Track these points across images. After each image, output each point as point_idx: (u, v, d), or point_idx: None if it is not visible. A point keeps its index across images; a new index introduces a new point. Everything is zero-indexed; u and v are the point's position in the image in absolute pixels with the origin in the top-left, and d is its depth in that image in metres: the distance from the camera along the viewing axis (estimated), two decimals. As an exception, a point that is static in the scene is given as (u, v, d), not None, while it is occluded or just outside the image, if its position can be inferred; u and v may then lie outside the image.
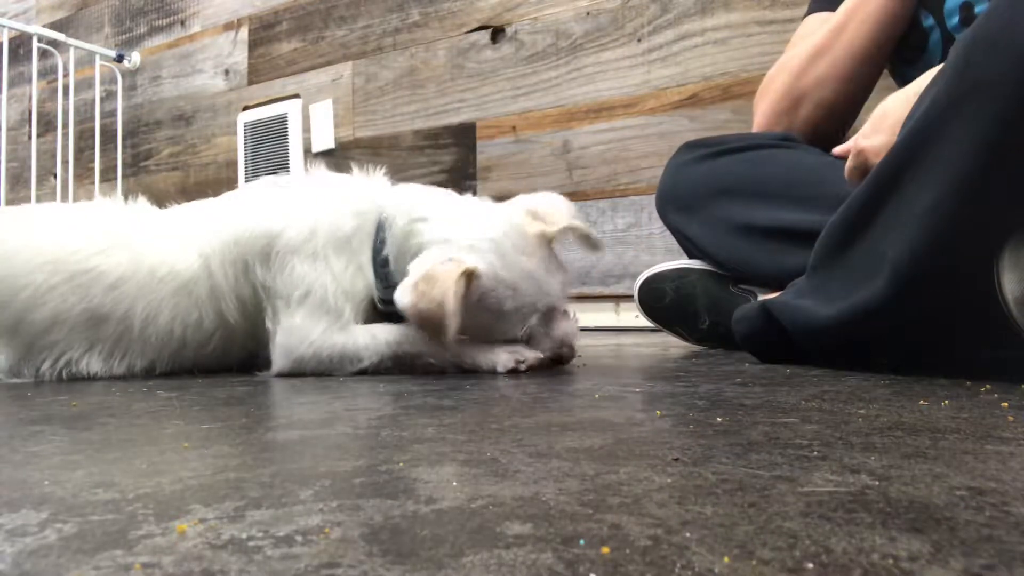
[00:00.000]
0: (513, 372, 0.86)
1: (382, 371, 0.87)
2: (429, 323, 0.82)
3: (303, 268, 0.89)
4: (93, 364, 0.91)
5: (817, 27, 1.21)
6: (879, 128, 0.86)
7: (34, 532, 0.30)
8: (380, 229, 0.91)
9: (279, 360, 0.89)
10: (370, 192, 0.95)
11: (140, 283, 0.91)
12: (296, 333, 0.88)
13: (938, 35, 1.09)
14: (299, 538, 0.28)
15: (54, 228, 0.94)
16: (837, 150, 0.99)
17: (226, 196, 1.01)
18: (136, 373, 0.92)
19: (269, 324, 0.91)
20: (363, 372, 0.88)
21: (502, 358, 0.86)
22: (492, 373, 0.86)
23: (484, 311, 0.85)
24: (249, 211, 0.94)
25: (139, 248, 0.92)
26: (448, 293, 0.80)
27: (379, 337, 0.88)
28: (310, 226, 0.90)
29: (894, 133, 0.81)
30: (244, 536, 0.29)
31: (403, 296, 0.82)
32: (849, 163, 0.89)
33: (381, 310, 0.91)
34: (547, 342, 0.90)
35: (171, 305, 0.91)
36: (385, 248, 0.90)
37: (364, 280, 0.91)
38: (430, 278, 0.82)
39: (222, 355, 0.96)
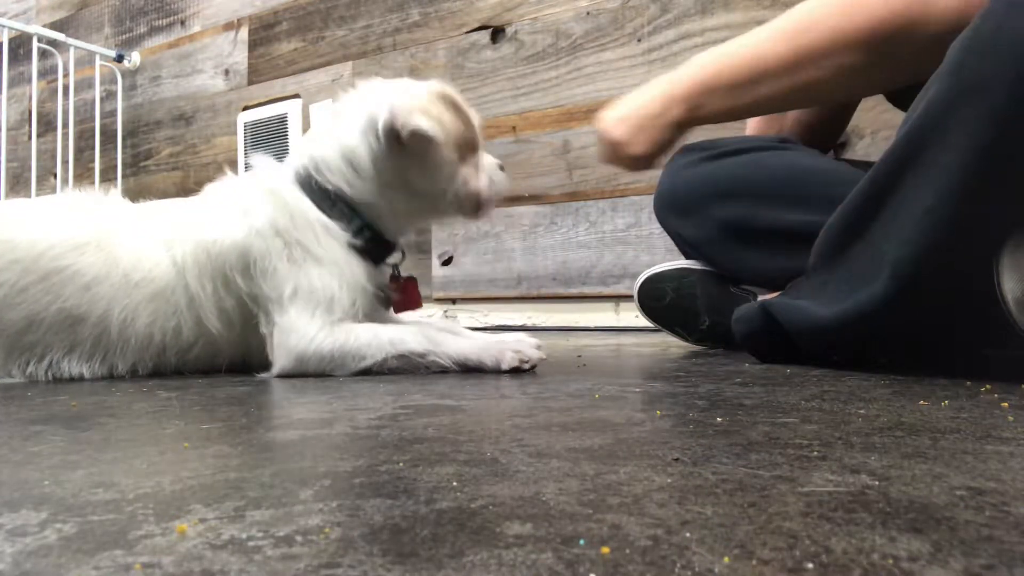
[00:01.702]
0: (516, 371, 0.86)
1: (385, 371, 0.87)
2: (459, 133, 0.91)
3: (285, 266, 0.89)
4: (75, 366, 0.90)
5: None
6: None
7: (34, 532, 0.30)
8: (310, 176, 0.93)
9: (280, 360, 0.88)
10: (277, 166, 0.98)
11: (115, 285, 0.90)
12: (294, 331, 0.87)
13: None
14: (299, 538, 0.28)
15: (26, 224, 0.92)
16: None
17: (191, 201, 0.99)
18: (120, 375, 0.91)
19: (264, 328, 0.90)
20: (367, 372, 0.87)
21: (506, 357, 0.86)
22: (495, 372, 0.86)
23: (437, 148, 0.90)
24: (214, 220, 0.92)
25: (114, 247, 0.91)
26: (452, 98, 0.92)
27: (381, 336, 0.87)
28: (268, 220, 0.90)
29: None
30: (244, 536, 0.29)
31: (420, 121, 0.86)
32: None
33: (359, 247, 0.92)
34: (487, 178, 0.97)
35: (148, 311, 0.90)
36: (331, 179, 0.92)
37: (331, 233, 0.91)
38: (423, 103, 0.88)
39: (207, 361, 0.95)
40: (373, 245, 0.94)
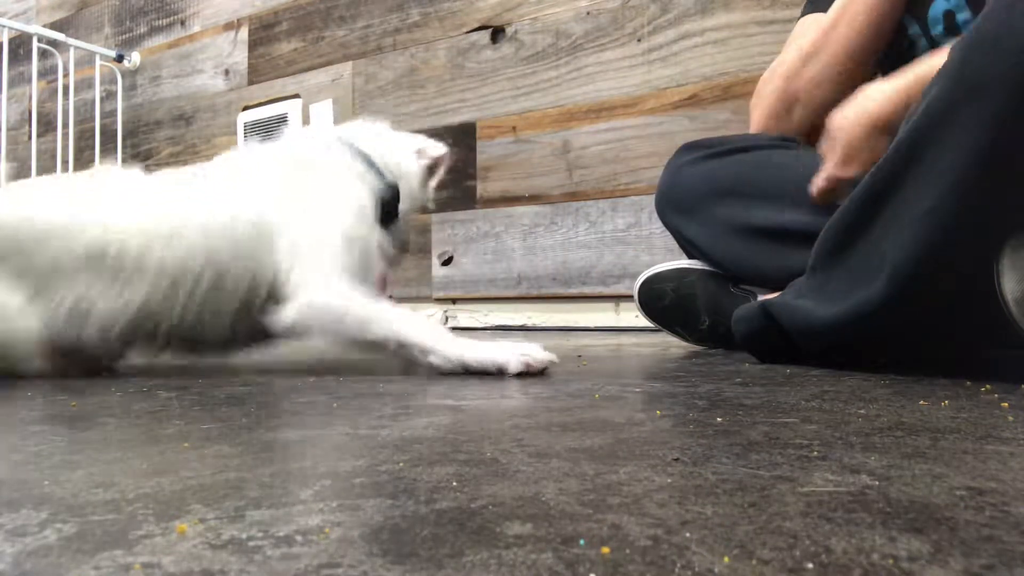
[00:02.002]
0: (522, 373, 0.82)
1: (382, 370, 0.87)
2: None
3: (317, 195, 0.98)
4: (97, 301, 0.90)
5: (809, 29, 1.21)
6: (850, 158, 0.91)
7: (34, 532, 0.30)
8: (348, 141, 1.08)
9: (291, 308, 0.88)
10: (318, 138, 1.11)
11: (137, 226, 0.93)
12: (308, 284, 0.90)
13: (925, 44, 1.08)
14: (299, 538, 0.28)
15: (64, 200, 0.96)
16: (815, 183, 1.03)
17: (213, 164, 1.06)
18: (133, 313, 0.91)
19: (280, 259, 0.93)
20: (370, 347, 0.87)
21: (513, 361, 0.82)
22: (500, 375, 0.82)
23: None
24: (243, 196, 0.97)
25: (139, 206, 0.96)
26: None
27: (390, 315, 0.87)
28: (312, 156, 1.03)
29: (863, 160, 0.89)
30: (244, 536, 0.29)
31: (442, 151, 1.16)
32: (822, 186, 0.97)
33: (384, 200, 1.06)
34: None
35: (161, 243, 0.92)
36: (366, 149, 1.08)
37: (365, 180, 1.05)
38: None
39: (214, 304, 0.94)
40: (390, 206, 1.06)
